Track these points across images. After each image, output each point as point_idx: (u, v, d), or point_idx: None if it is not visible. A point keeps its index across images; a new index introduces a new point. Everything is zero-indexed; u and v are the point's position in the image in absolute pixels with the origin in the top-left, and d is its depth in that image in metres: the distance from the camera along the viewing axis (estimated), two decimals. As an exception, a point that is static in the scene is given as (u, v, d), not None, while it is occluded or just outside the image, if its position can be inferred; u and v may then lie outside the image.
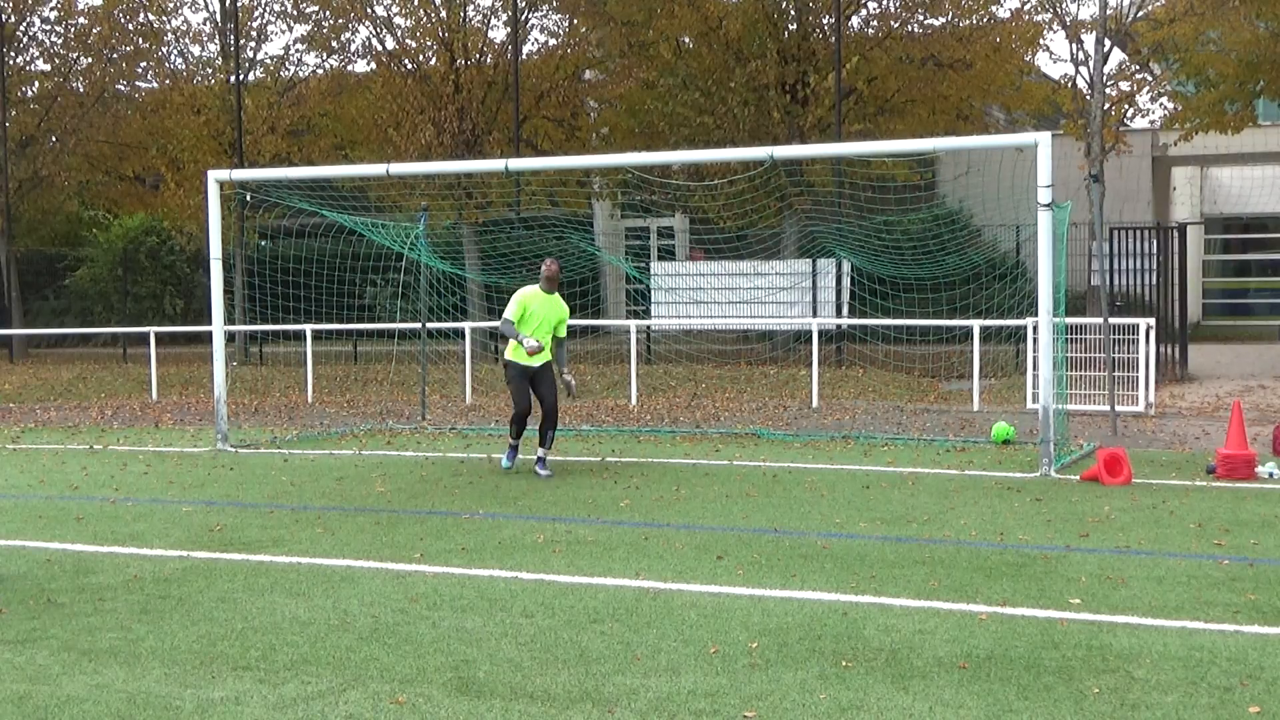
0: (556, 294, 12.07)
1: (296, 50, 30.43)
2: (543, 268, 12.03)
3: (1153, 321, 16.85)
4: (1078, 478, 11.10)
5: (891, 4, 25.93)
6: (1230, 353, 22.98)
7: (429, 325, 18.56)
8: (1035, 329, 13.60)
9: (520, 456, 12.18)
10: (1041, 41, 25.51)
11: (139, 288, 34.01)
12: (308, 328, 21.12)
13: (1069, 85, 24.96)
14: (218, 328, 14.85)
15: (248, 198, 18.33)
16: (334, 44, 29.32)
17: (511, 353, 11.94)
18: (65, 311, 36.00)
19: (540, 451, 11.89)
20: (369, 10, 27.73)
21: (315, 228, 21.72)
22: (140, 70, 31.69)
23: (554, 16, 28.15)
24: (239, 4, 28.90)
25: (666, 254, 31.08)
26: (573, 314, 22.63)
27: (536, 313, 11.86)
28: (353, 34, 29.22)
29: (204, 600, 7.13)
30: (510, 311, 11.90)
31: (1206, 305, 33.74)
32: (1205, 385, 19.55)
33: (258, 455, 13.72)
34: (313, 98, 29.00)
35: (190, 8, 38.58)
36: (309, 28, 29.41)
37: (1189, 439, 13.85)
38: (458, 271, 23.18)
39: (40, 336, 31.45)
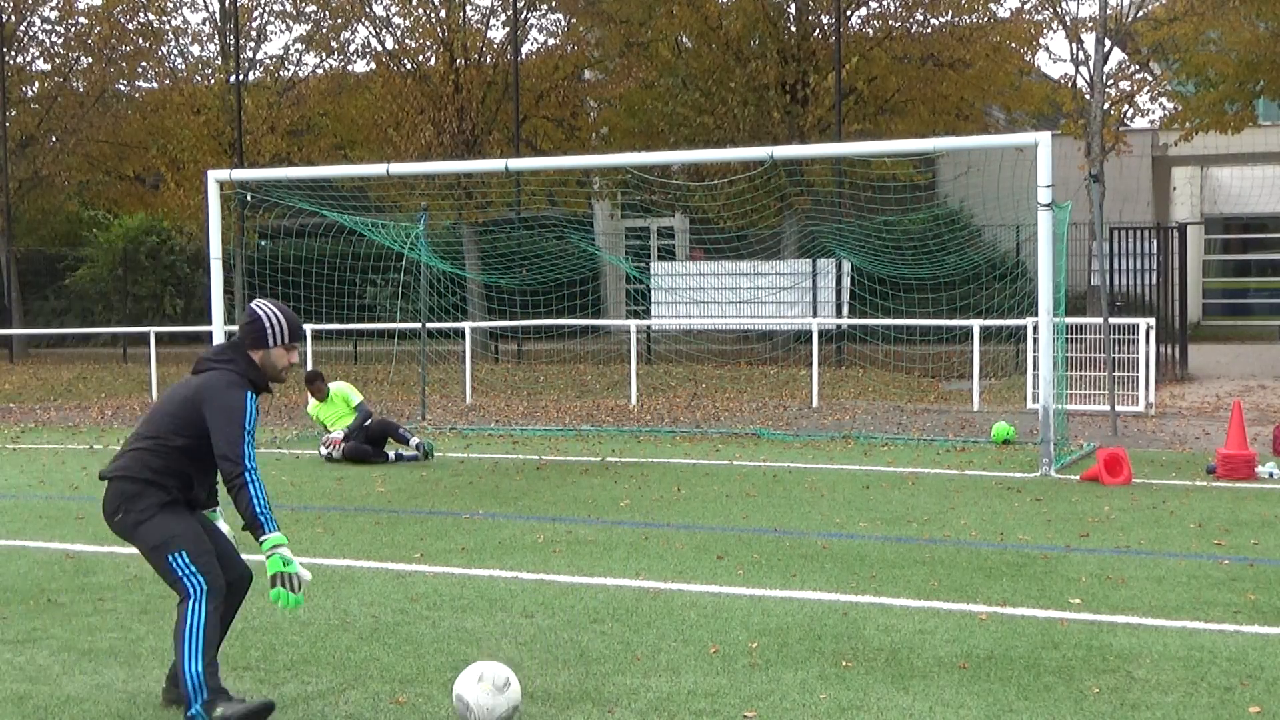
0: None
1: (296, 50, 30.42)
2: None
3: (1153, 321, 16.84)
4: (1078, 478, 11.10)
5: (891, 4, 25.94)
6: (1230, 353, 22.97)
7: (429, 325, 18.56)
8: (1035, 329, 13.60)
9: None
10: (1041, 41, 25.54)
11: (139, 288, 33.99)
12: (308, 328, 21.08)
13: (1069, 85, 24.96)
14: (218, 328, 14.84)
15: (248, 198, 18.32)
16: (333, 44, 29.32)
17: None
18: (65, 311, 35.96)
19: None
20: (368, 10, 27.74)
21: (315, 228, 21.71)
22: (140, 70, 31.68)
23: (553, 16, 28.18)
24: (239, 4, 28.89)
25: (666, 254, 31.07)
26: (573, 314, 23.03)
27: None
28: (352, 34, 29.23)
29: (204, 600, 7.12)
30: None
31: (1206, 305, 33.70)
32: (1205, 385, 19.55)
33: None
34: (312, 98, 28.98)
35: (190, 8, 38.53)
36: (308, 28, 29.43)
37: (1189, 439, 13.85)
38: (458, 271, 23.17)
39: (40, 336, 31.42)
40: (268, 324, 5.13)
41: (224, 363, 5.07)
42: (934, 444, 13.64)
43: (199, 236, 27.25)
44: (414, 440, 12.99)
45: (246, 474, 4.94)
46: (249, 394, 5.02)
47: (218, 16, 30.31)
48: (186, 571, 4.99)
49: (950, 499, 10.17)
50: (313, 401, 13.67)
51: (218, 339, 14.85)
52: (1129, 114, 25.42)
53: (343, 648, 6.15)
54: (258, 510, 4.90)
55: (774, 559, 7.99)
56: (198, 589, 4.97)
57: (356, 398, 13.41)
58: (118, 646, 6.25)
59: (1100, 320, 15.28)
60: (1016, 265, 22.36)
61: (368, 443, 13.02)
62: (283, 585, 4.84)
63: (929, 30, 25.33)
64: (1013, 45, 25.08)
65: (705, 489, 10.86)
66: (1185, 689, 5.38)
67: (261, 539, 4.90)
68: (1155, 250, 20.63)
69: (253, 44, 29.85)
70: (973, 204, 25.87)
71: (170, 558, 4.99)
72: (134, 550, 5.25)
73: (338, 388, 13.59)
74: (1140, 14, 23.94)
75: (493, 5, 27.39)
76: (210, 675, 4.93)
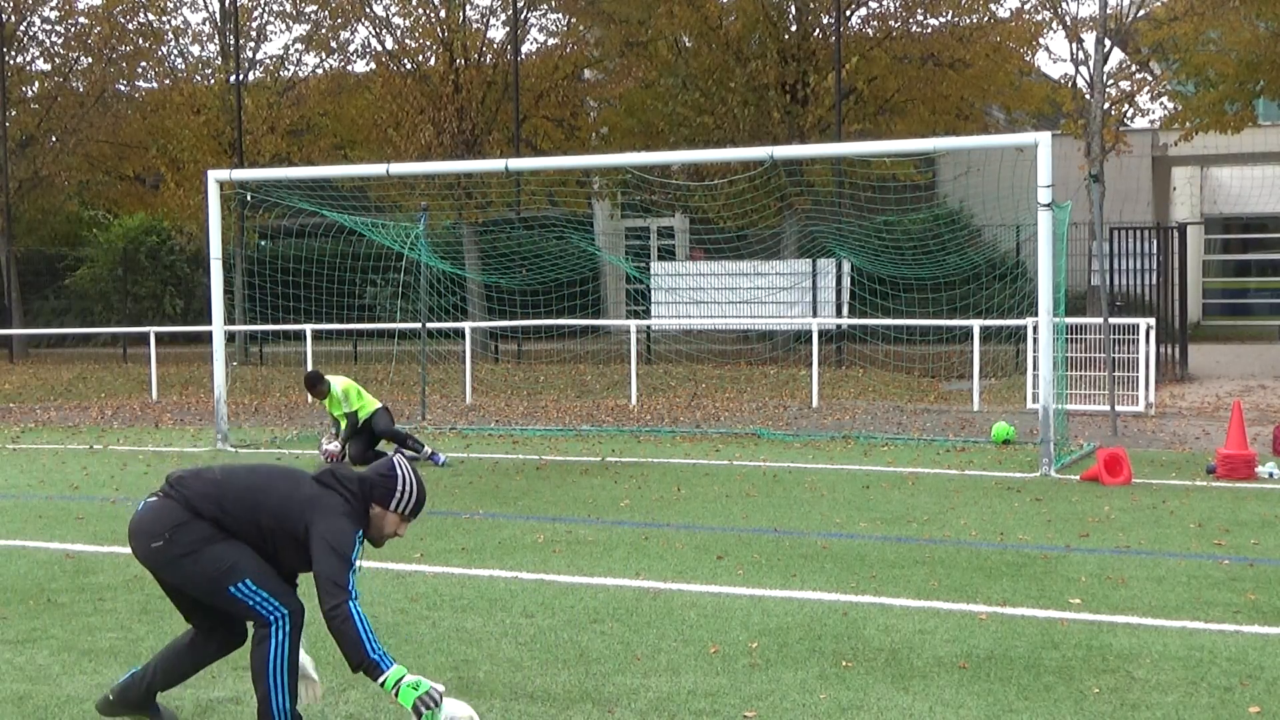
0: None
1: (296, 50, 30.42)
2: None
3: (1153, 321, 16.84)
4: (1078, 478, 11.10)
5: (891, 4, 25.95)
6: (1230, 353, 22.97)
7: (429, 325, 18.56)
8: (1035, 329, 13.60)
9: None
10: (1041, 41, 25.55)
11: (139, 288, 33.98)
12: (308, 328, 21.11)
13: (1069, 85, 24.96)
14: (218, 328, 14.85)
15: (248, 198, 18.32)
16: (333, 44, 29.33)
17: None
18: (65, 311, 35.95)
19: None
20: (368, 10, 27.75)
21: (315, 228, 21.71)
22: (140, 70, 31.70)
23: (553, 16, 28.18)
24: (239, 4, 28.90)
25: (666, 254, 31.08)
26: (573, 314, 23.04)
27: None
28: (352, 34, 29.25)
29: (204, 600, 7.12)
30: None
31: (1206, 305, 33.71)
32: (1205, 385, 19.55)
33: (258, 455, 13.71)
34: (312, 98, 29.00)
35: (190, 8, 38.55)
36: (308, 28, 29.44)
37: (1189, 439, 13.85)
38: (458, 271, 23.18)
39: (40, 336, 31.43)
40: (400, 490, 4.81)
41: (349, 494, 4.79)
42: (934, 444, 13.64)
43: (199, 236, 27.25)
44: (426, 449, 12.62)
45: (351, 603, 4.53)
46: (359, 531, 4.76)
47: (218, 16, 30.32)
48: (257, 599, 4.69)
49: (950, 499, 10.17)
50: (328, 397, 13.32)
51: (218, 339, 14.88)
52: (1129, 114, 25.44)
53: (343, 648, 6.14)
54: (369, 651, 4.51)
55: (774, 559, 7.99)
56: (278, 615, 4.70)
57: (348, 406, 12.81)
58: (118, 646, 6.25)
59: (1100, 320, 15.28)
60: (1016, 265, 22.37)
61: (369, 447, 12.83)
62: (425, 708, 4.50)
63: (929, 30, 25.35)
64: (1012, 45, 25.09)
65: (705, 489, 10.86)
66: (1185, 689, 5.38)
67: (381, 679, 4.52)
68: (1155, 250, 20.63)
69: (253, 44, 29.88)
70: (973, 204, 25.87)
71: (232, 589, 4.67)
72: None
73: (339, 388, 13.19)
74: (1140, 14, 23.94)
75: (493, 5, 27.43)
76: (294, 708, 4.78)
